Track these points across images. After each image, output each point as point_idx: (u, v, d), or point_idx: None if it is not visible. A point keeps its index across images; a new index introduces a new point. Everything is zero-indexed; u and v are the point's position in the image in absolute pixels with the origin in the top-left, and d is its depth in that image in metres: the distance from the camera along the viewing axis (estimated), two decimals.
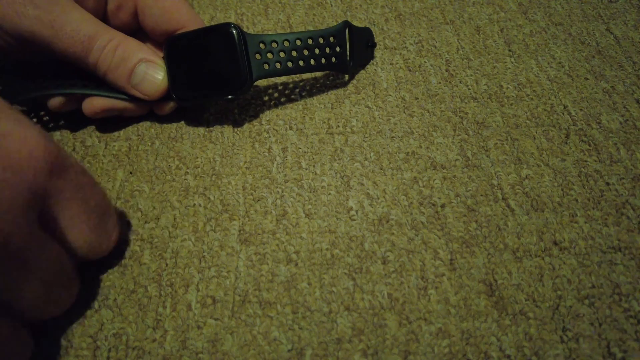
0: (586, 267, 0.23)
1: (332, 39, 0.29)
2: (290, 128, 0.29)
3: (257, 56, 0.27)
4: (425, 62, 0.33)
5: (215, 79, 0.27)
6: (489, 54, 0.34)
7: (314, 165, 0.27)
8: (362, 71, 0.33)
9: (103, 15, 0.27)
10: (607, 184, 0.27)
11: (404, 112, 0.30)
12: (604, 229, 0.25)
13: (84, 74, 0.26)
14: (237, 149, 0.28)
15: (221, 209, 0.25)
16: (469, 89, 0.32)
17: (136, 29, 0.29)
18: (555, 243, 0.24)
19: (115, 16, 0.28)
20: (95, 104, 0.27)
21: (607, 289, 0.23)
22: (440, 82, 0.32)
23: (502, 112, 0.30)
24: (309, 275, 0.23)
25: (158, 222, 0.25)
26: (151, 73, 0.26)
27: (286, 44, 0.27)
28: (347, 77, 0.32)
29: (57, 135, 0.29)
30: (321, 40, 0.28)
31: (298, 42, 0.27)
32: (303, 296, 0.22)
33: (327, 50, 0.29)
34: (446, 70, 0.33)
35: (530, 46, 0.35)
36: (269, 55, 0.27)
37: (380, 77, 0.32)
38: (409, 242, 0.24)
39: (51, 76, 0.27)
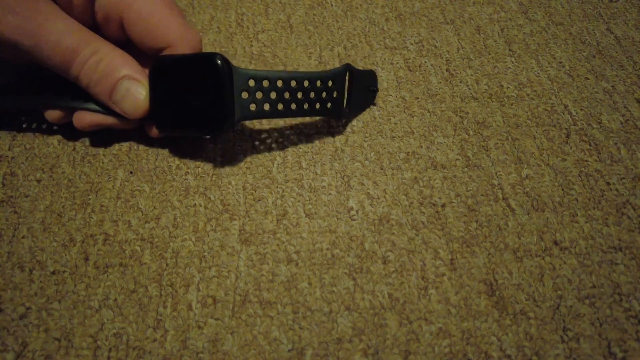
0: (587, 266, 0.23)
1: (330, 82, 0.26)
2: (291, 128, 0.29)
3: (244, 94, 0.24)
4: (425, 61, 0.33)
5: (194, 114, 0.24)
6: (489, 54, 0.34)
7: (314, 165, 0.27)
8: None
9: (93, 24, 0.26)
10: (608, 183, 0.27)
11: (405, 111, 0.30)
12: (604, 229, 0.25)
13: (75, 85, 0.25)
14: (238, 149, 0.28)
15: (221, 208, 0.25)
16: (470, 89, 0.32)
17: (128, 41, 0.27)
18: (555, 243, 0.24)
19: (104, 27, 0.26)
20: (83, 118, 0.26)
21: (607, 288, 0.23)
22: (440, 82, 0.32)
23: (502, 111, 0.30)
24: (310, 275, 0.23)
25: (158, 222, 0.25)
26: (133, 92, 0.25)
27: (279, 83, 0.24)
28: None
29: (57, 134, 0.29)
30: (318, 84, 0.25)
31: (293, 83, 0.24)
32: (303, 296, 0.22)
33: (324, 94, 0.26)
34: (446, 70, 0.33)
35: (530, 46, 0.35)
36: (258, 95, 0.24)
37: (381, 76, 0.32)
38: (410, 242, 0.24)
39: (42, 88, 0.26)
